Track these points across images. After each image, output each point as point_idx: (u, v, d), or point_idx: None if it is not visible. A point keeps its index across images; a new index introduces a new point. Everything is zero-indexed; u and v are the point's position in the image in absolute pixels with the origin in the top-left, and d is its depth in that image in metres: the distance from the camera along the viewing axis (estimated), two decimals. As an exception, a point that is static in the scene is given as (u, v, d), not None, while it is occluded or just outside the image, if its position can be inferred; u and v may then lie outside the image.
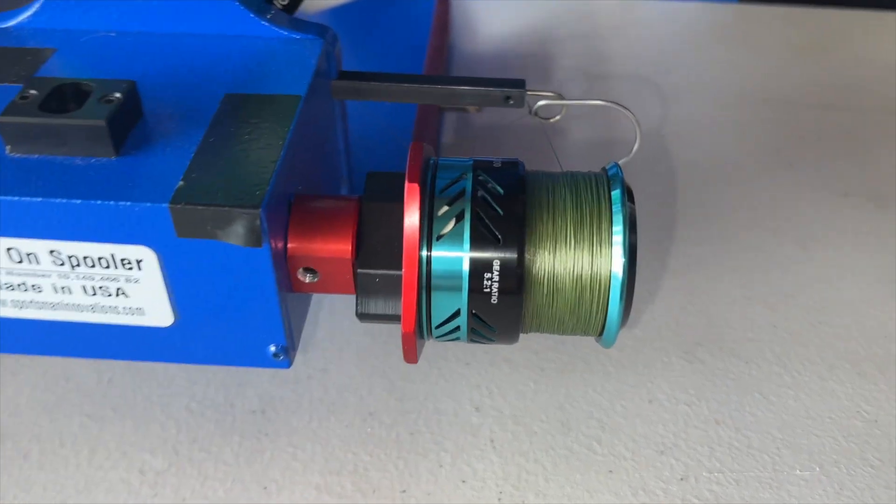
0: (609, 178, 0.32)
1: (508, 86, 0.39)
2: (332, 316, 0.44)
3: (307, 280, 0.33)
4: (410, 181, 0.30)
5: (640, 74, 0.64)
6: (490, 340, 0.32)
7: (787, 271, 0.48)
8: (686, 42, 0.68)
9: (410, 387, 0.42)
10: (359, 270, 0.31)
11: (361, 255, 0.31)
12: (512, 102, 0.39)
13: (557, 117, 0.40)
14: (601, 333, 0.32)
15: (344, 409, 0.41)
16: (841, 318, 0.45)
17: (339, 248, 0.32)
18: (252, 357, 0.34)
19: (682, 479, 0.37)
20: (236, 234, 0.30)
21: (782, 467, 0.39)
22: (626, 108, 0.39)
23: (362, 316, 0.32)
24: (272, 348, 0.33)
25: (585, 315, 0.32)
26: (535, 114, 0.39)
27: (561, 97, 0.39)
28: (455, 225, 0.30)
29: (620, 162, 0.40)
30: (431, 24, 0.58)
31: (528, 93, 0.39)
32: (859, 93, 0.62)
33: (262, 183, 0.30)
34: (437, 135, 0.52)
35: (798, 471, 0.38)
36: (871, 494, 0.37)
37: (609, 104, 0.39)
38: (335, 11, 0.55)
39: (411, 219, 0.30)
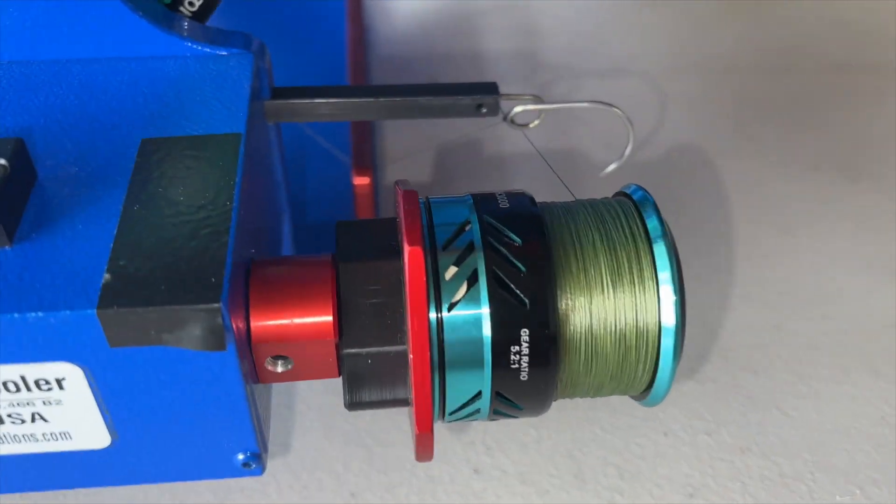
0: (637, 204, 0.28)
1: (479, 92, 0.34)
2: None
3: (278, 369, 0.27)
4: (411, 243, 0.25)
5: (575, 48, 0.59)
6: (514, 417, 0.29)
7: (775, 263, 0.45)
8: (614, 15, 0.63)
9: (393, 453, 0.36)
10: (345, 351, 0.27)
11: (346, 331, 0.27)
12: (485, 111, 0.34)
13: (536, 122, 0.35)
14: (645, 392, 0.29)
15: (319, 494, 0.34)
16: (841, 309, 0.43)
17: (318, 325, 0.27)
18: (216, 469, 0.28)
19: (719, 525, 0.34)
20: (191, 337, 0.23)
21: (821, 494, 0.35)
22: (616, 107, 0.34)
23: (354, 405, 0.28)
24: (240, 457, 0.28)
25: (630, 377, 0.28)
26: (511, 121, 0.35)
27: (539, 100, 0.34)
28: (468, 290, 0.26)
29: (612, 167, 0.36)
30: (345, 18, 0.51)
31: (503, 98, 0.34)
32: (802, 53, 0.59)
33: (215, 264, 0.23)
34: (374, 149, 0.45)
35: (838, 497, 0.35)
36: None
37: (598, 105, 0.34)
38: (226, 8, 0.46)
39: (418, 294, 0.25)
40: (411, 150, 0.48)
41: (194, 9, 0.32)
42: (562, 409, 0.38)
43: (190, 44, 0.30)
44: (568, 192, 0.32)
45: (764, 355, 0.40)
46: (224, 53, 0.30)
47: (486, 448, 0.36)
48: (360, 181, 0.40)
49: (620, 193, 0.29)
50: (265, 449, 0.28)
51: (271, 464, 0.35)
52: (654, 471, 0.36)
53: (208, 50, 0.30)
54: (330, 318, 0.26)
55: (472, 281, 0.26)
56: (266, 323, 0.26)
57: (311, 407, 0.37)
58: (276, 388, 0.38)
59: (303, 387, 0.38)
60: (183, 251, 0.23)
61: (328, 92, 0.33)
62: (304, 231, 0.39)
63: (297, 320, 0.26)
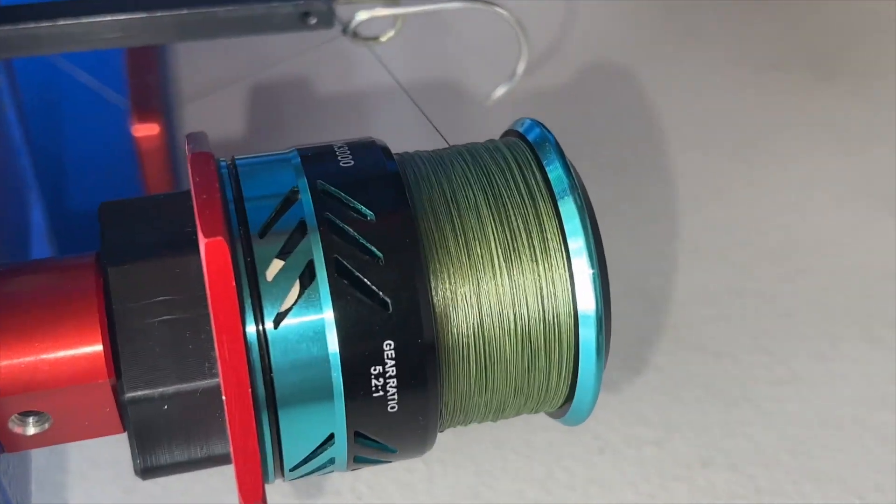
0: (532, 147, 0.28)
1: (303, -6, 0.34)
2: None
3: (30, 430, 0.27)
4: (209, 232, 0.24)
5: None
6: (385, 462, 0.29)
7: (731, 202, 0.46)
8: None
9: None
10: (128, 395, 0.26)
11: (127, 365, 0.26)
12: (314, 21, 0.34)
13: (390, 34, 0.37)
14: (563, 406, 0.29)
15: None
16: (822, 259, 0.44)
17: (81, 361, 0.26)
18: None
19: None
20: None
21: (811, 512, 0.36)
22: (500, 6, 0.35)
23: (150, 471, 0.27)
24: None
25: (541, 388, 0.28)
26: (354, 34, 0.35)
27: (394, 2, 0.35)
28: (302, 292, 0.25)
29: (499, 93, 0.37)
30: None
31: (340, 1, 0.34)
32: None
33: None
34: (163, 84, 0.44)
35: (834, 511, 0.36)
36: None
37: (475, 5, 0.34)
38: None
39: (226, 304, 0.24)
40: (217, 85, 0.47)
41: None
42: (459, 432, 0.37)
43: None
44: (438, 135, 0.31)
45: (724, 330, 0.41)
46: None
47: (357, 497, 0.36)
48: (145, 131, 0.39)
49: (511, 133, 0.30)
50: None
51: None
52: (588, 502, 0.36)
53: None
54: (99, 349, 0.26)
55: (307, 278, 0.25)
56: (4, 366, 0.25)
57: (95, 462, 0.36)
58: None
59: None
60: None
61: (79, 7, 0.32)
62: (68, 217, 0.38)
63: (48, 356, 0.25)
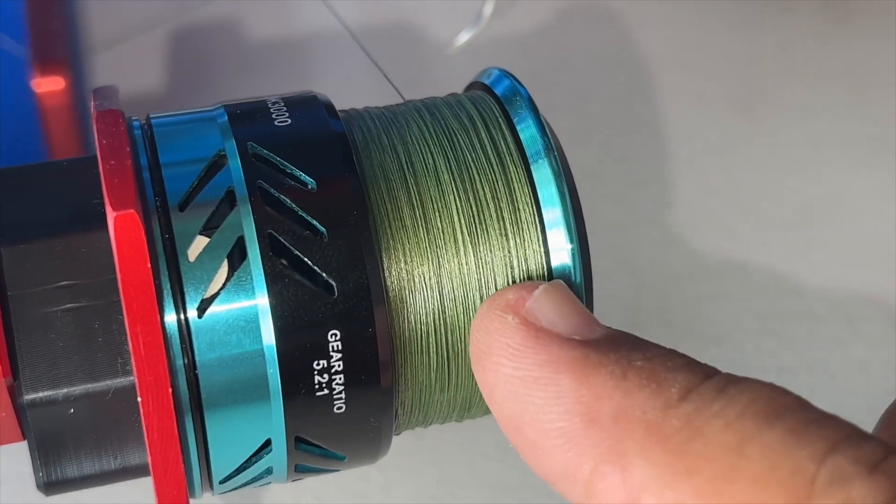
0: (501, 102, 0.29)
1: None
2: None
3: None
4: (118, 206, 0.24)
5: None
6: (332, 472, 0.29)
7: (736, 164, 0.46)
8: None
9: None
10: (26, 397, 0.26)
11: (25, 363, 0.26)
12: None
13: None
14: None
15: None
16: (837, 223, 0.44)
17: None
18: None
19: None
20: None
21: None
22: None
23: (54, 486, 0.27)
24: None
25: None
26: None
27: None
28: (231, 274, 0.26)
29: (463, 39, 0.37)
30: None
31: None
32: None
33: None
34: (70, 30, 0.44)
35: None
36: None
37: None
38: None
39: (140, 290, 0.24)
40: (133, 31, 0.47)
41: None
42: (418, 434, 0.36)
43: None
44: (392, 88, 0.31)
45: (725, 311, 0.41)
46: None
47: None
48: (48, 85, 0.39)
49: (476, 86, 0.30)
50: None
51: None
52: None
53: None
54: None
55: (237, 258, 0.25)
56: None
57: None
58: None
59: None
60: None
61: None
62: None
63: None
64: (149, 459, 0.25)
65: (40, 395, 0.26)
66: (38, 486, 0.27)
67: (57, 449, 0.26)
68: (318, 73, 0.48)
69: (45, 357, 0.26)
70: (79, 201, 0.26)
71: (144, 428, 0.25)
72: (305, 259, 0.25)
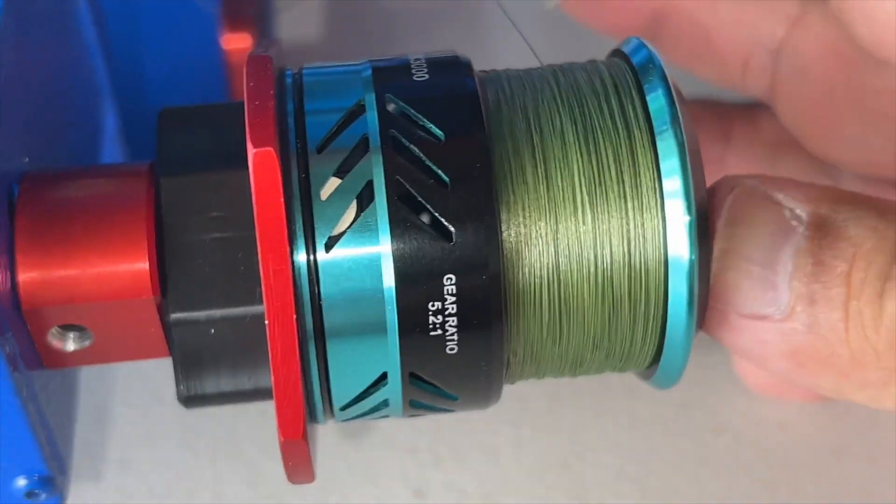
0: (635, 70, 0.29)
1: None
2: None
3: (70, 346, 0.28)
4: (258, 143, 0.25)
5: None
6: (446, 412, 0.29)
7: None
8: None
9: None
10: (173, 316, 0.28)
11: (174, 284, 0.28)
12: None
13: None
14: (651, 366, 0.29)
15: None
16: None
17: (126, 276, 0.27)
18: (-15, 500, 0.29)
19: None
20: None
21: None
22: None
23: (193, 399, 0.29)
24: (21, 483, 0.29)
25: (624, 344, 0.28)
26: None
27: None
28: (358, 215, 0.26)
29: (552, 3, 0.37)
30: None
31: None
32: None
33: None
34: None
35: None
36: None
37: None
38: None
39: (272, 224, 0.25)
40: None
41: None
42: (553, 396, 0.38)
43: None
44: (530, 50, 0.32)
45: None
46: None
47: (435, 458, 0.37)
48: (236, 42, 0.40)
49: (616, 54, 0.30)
50: (62, 470, 0.29)
51: (98, 489, 0.37)
52: (696, 486, 0.37)
53: None
54: (144, 266, 0.27)
55: (365, 200, 0.26)
56: (41, 275, 0.27)
57: (148, 411, 0.39)
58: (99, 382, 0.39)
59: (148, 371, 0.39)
60: None
61: None
62: (144, 128, 0.39)
63: (91, 267, 0.27)
64: (272, 380, 0.26)
65: (185, 315, 0.27)
66: (179, 399, 0.28)
67: (198, 366, 0.28)
68: (489, 42, 0.48)
69: (192, 281, 0.27)
70: (233, 141, 0.27)
71: (269, 350, 0.25)
72: (427, 206, 0.26)
